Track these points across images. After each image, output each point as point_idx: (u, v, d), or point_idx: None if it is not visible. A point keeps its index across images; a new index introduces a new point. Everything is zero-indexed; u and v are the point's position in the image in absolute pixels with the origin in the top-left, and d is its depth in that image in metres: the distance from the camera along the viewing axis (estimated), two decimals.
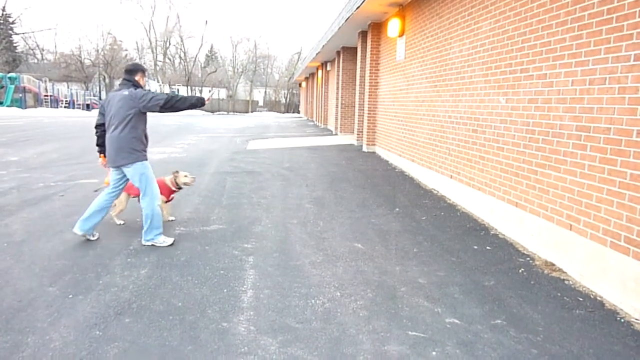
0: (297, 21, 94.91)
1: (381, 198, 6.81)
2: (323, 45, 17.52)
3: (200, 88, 52.90)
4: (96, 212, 4.49)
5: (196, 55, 57.96)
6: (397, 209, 6.16)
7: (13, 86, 35.60)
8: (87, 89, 47.90)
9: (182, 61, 56.05)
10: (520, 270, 4.07)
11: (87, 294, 3.37)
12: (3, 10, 46.69)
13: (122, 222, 5.14)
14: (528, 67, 4.76)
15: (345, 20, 11.97)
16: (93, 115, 33.30)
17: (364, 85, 12.78)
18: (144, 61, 54.48)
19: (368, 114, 12.43)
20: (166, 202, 5.18)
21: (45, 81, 39.88)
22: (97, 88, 50.29)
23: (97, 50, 50.32)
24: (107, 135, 4.42)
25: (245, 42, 78.26)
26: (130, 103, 4.29)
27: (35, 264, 3.94)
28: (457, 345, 2.80)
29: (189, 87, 51.79)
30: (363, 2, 9.69)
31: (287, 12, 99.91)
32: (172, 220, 5.28)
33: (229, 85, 55.61)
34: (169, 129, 20.74)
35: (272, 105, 58.34)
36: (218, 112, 48.24)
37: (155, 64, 54.26)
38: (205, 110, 46.69)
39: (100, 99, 48.06)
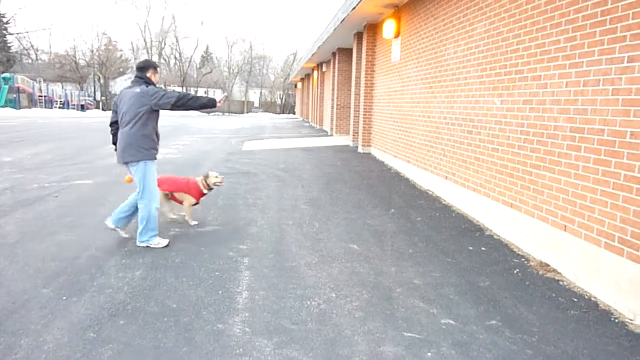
0: (292, 22, 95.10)
1: (377, 199, 6.81)
2: (319, 47, 17.54)
3: (195, 89, 52.76)
4: (129, 207, 4.53)
5: (191, 56, 57.96)
6: (393, 210, 6.16)
7: (7, 86, 35.36)
8: (81, 90, 47.69)
9: (177, 62, 55.97)
10: (515, 271, 4.08)
11: (81, 296, 3.35)
12: None
13: (174, 217, 5.31)
14: (522, 69, 4.78)
15: (341, 22, 11.98)
16: (88, 116, 33.24)
17: (360, 86, 12.79)
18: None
19: (364, 115, 12.45)
20: (195, 204, 5.17)
21: (40, 81, 39.68)
22: (92, 88, 50.08)
23: (92, 51, 50.12)
24: (119, 132, 4.41)
25: (240, 42, 78.05)
26: (142, 100, 4.28)
27: (29, 265, 3.92)
28: (453, 346, 2.80)
29: (184, 88, 51.62)
30: (359, 3, 9.70)
31: (282, 13, 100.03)
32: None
33: (224, 86, 55.49)
34: (164, 130, 20.59)
35: (267, 106, 58.33)
36: (213, 113, 48.14)
37: None
38: (201, 111, 46.57)
39: (94, 99, 47.88)
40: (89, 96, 47.34)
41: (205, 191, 5.13)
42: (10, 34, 47.90)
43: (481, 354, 2.72)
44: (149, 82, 4.43)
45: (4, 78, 35.72)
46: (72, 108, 41.73)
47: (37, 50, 53.85)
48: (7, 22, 46.93)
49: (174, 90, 4.55)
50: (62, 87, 45.18)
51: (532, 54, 4.61)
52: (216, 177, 5.13)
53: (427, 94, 7.81)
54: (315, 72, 25.45)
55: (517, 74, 4.89)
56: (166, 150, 12.59)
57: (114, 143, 4.56)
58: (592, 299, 3.54)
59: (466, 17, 6.25)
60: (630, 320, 3.19)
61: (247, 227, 5.23)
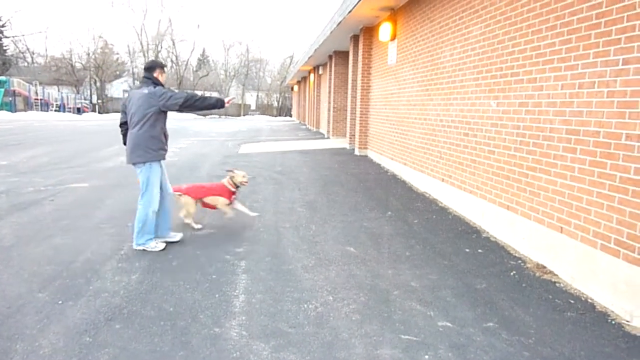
0: (289, 25, 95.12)
1: (373, 202, 6.82)
2: (315, 50, 17.56)
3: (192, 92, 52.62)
4: (163, 214, 4.57)
5: (188, 59, 57.85)
6: (390, 213, 6.16)
7: (3, 90, 35.24)
8: (78, 93, 47.55)
9: (174, 65, 55.81)
10: (511, 273, 4.08)
11: (77, 300, 3.34)
12: None
13: (200, 226, 5.21)
14: (518, 71, 4.80)
15: (338, 25, 12.00)
16: (84, 119, 33.14)
17: (356, 89, 12.81)
18: (135, 65, 54.26)
19: (360, 117, 12.46)
20: (228, 204, 5.19)
21: (36, 85, 39.60)
22: (88, 92, 49.95)
23: (88, 54, 49.96)
24: (128, 133, 4.43)
25: (237, 45, 78.18)
26: (150, 101, 4.29)
27: (25, 269, 3.89)
28: (450, 348, 2.80)
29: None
30: (355, 5, 9.73)
31: (279, 16, 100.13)
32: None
33: (220, 88, 55.48)
34: None
35: (264, 109, 58.28)
36: (210, 116, 48.13)
37: None
38: (197, 114, 46.57)
39: (91, 102, 47.76)
40: (85, 99, 47.23)
41: (233, 189, 5.21)
42: (6, 37, 47.77)
43: (478, 357, 2.72)
44: (156, 83, 4.44)
45: None
46: (68, 111, 41.62)
47: (33, 53, 53.76)
48: (3, 25, 46.80)
49: (181, 91, 4.56)
50: (59, 90, 45.09)
51: (527, 57, 4.63)
52: (243, 176, 5.25)
53: (423, 96, 7.83)
54: (312, 75, 25.48)
55: (512, 76, 4.91)
56: None
57: (125, 143, 4.57)
58: (589, 300, 3.55)
59: (462, 20, 6.27)
60: (627, 321, 3.19)
61: (244, 230, 5.22)
